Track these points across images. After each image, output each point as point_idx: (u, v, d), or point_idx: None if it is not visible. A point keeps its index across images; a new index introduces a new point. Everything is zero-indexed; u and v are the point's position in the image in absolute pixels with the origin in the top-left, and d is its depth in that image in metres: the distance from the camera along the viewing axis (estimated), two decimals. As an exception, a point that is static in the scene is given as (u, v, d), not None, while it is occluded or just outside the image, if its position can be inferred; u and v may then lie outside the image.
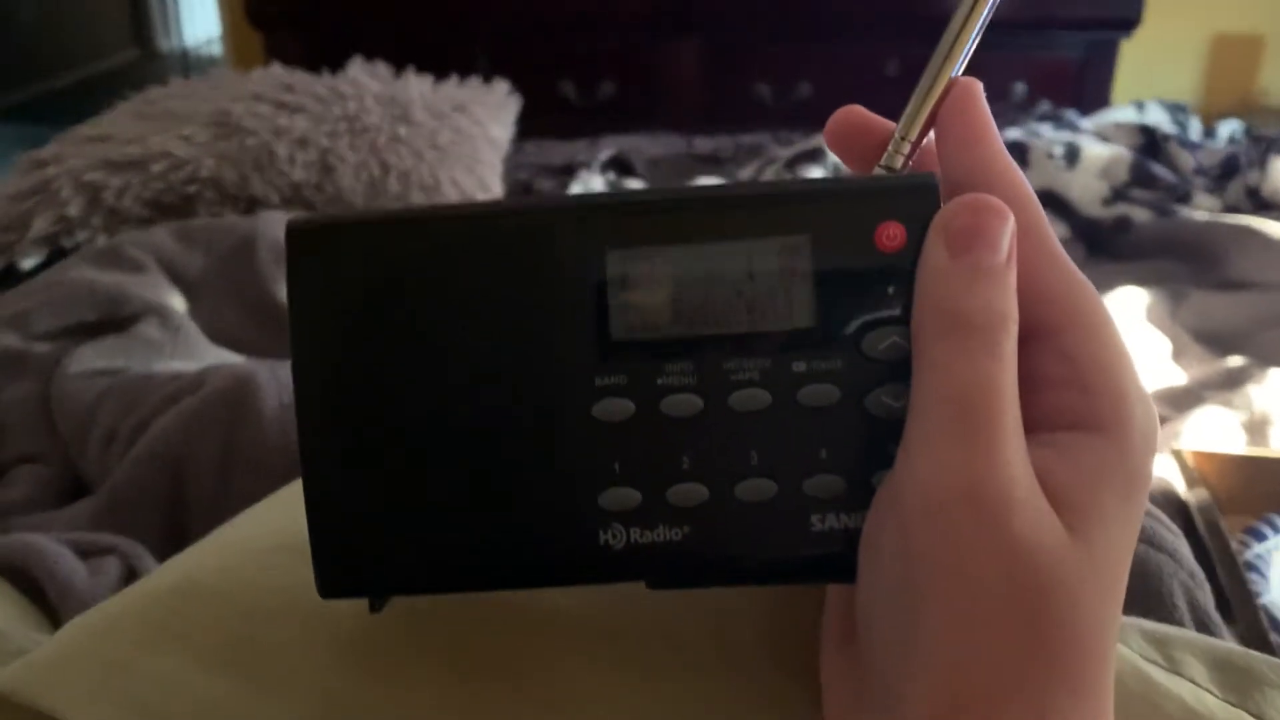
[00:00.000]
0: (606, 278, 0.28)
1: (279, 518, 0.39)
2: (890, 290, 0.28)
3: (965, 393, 0.25)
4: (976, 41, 0.29)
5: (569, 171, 1.49)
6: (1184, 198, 1.31)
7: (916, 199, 0.28)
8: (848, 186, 0.29)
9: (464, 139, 1.30)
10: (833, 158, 1.38)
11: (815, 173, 1.36)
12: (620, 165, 1.51)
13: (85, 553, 0.60)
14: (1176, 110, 1.55)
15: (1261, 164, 1.30)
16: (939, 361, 0.26)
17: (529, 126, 1.62)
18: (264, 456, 0.76)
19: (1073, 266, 0.28)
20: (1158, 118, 1.53)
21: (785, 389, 0.28)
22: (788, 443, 0.28)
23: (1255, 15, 2.57)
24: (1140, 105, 1.55)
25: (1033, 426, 0.26)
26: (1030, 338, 0.27)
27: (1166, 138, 1.39)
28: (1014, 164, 0.29)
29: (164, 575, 0.36)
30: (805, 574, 0.30)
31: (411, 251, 0.29)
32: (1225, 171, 1.35)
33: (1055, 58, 2.20)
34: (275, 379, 0.80)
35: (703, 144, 1.68)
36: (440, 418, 0.29)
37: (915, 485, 0.26)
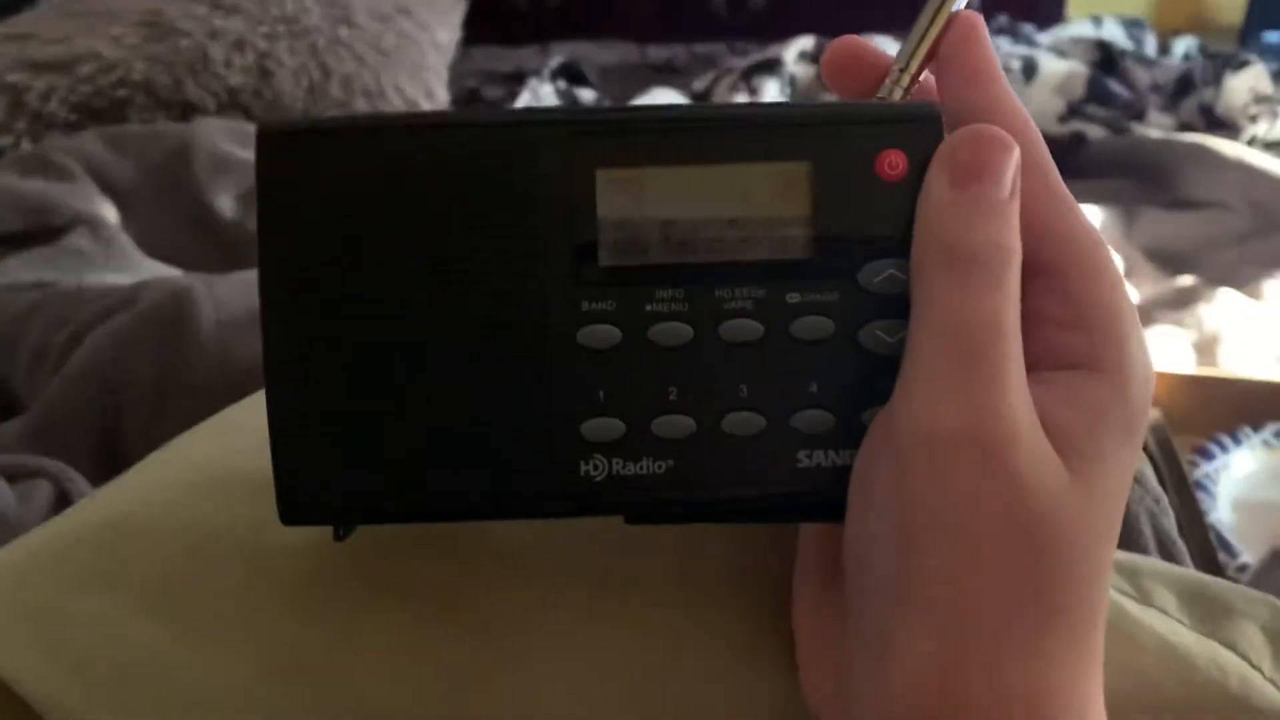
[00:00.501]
0: (595, 199, 0.27)
1: (216, 447, 0.36)
2: (890, 222, 0.27)
3: (967, 328, 0.25)
4: None
5: (518, 79, 1.45)
6: (1139, 115, 1.30)
7: (920, 128, 0.27)
8: (849, 112, 0.28)
9: (409, 43, 1.25)
10: (788, 70, 1.35)
11: (770, 84, 1.33)
12: (571, 74, 1.47)
13: (12, 476, 0.57)
14: (1133, 26, 1.54)
15: (1216, 82, 1.30)
16: (940, 296, 0.25)
17: (476, 34, 1.57)
18: (201, 377, 0.73)
19: (1076, 207, 0.27)
20: (1114, 33, 1.51)
21: (778, 320, 0.27)
22: (778, 376, 0.28)
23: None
24: (1098, 20, 1.54)
25: (1031, 364, 0.26)
26: (1031, 276, 0.26)
27: (1123, 54, 1.38)
28: (1018, 101, 0.28)
29: (92, 509, 0.34)
30: (791, 512, 0.29)
31: (391, 160, 0.27)
32: (1180, 89, 1.34)
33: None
34: (212, 295, 0.77)
35: (656, 53, 1.64)
36: (416, 336, 0.27)
37: (913, 422, 0.25)
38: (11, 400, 0.82)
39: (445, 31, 1.36)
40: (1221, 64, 1.32)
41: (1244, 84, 1.28)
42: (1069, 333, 0.26)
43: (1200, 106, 1.30)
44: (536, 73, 1.43)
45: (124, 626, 0.30)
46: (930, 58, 0.29)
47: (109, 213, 1.00)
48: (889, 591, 0.25)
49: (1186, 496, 0.73)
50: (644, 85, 1.47)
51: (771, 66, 1.35)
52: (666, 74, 1.55)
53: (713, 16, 2.20)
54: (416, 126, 0.28)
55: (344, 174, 0.27)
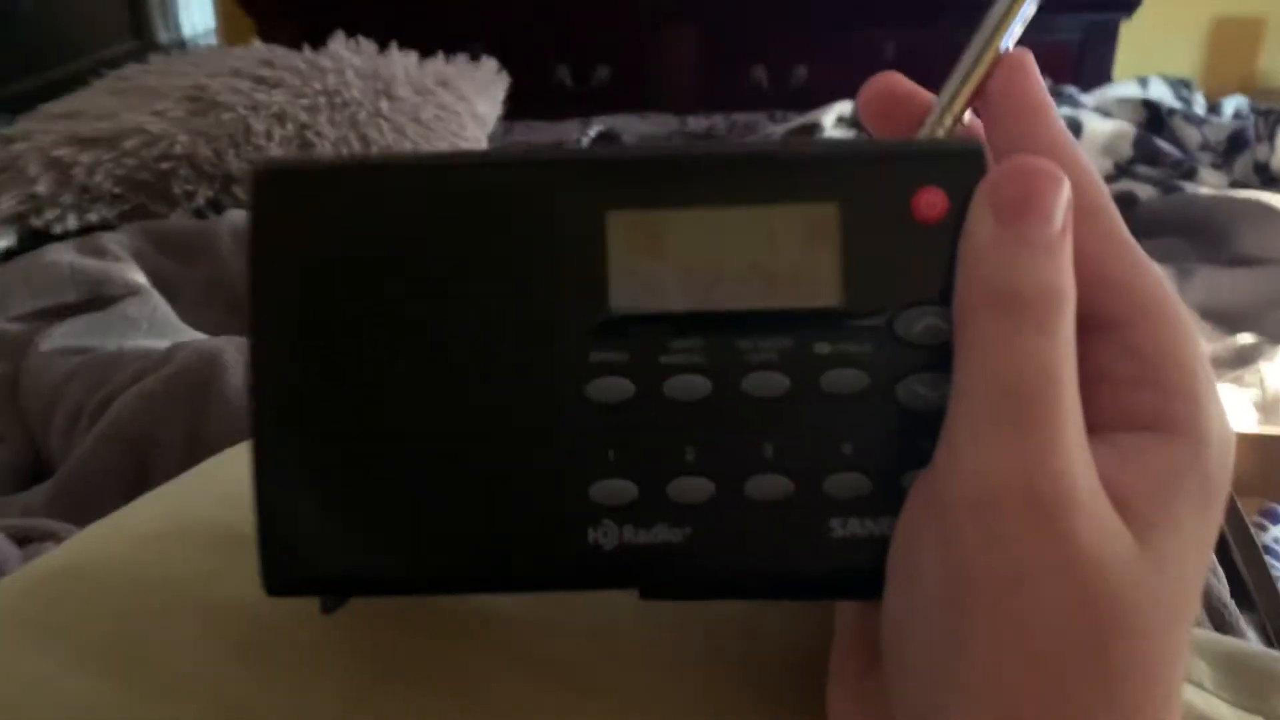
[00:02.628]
0: (607, 242, 0.25)
1: (179, 501, 0.35)
2: (929, 266, 0.25)
3: (1018, 377, 0.22)
4: (1033, 8, 0.26)
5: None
6: (1189, 174, 1.27)
7: (961, 165, 0.25)
8: (883, 149, 0.26)
9: (448, 115, 1.27)
10: (826, 133, 1.34)
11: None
12: (609, 141, 1.48)
13: (24, 539, 0.56)
14: (1180, 85, 1.52)
15: (1270, 138, 1.27)
16: (987, 343, 0.23)
17: (522, 111, 1.58)
18: (231, 438, 0.72)
19: (1142, 254, 0.25)
20: (1161, 93, 1.49)
21: (806, 373, 0.25)
22: (807, 435, 0.25)
23: (1256, -3, 2.54)
24: (1144, 81, 1.51)
25: (1095, 428, 0.23)
26: (1092, 330, 0.24)
27: (1171, 112, 1.36)
28: (1075, 142, 0.26)
29: (48, 562, 0.33)
30: (822, 588, 0.26)
31: (390, 203, 0.25)
32: (1232, 146, 1.31)
33: (1054, 41, 2.16)
34: (243, 357, 0.77)
35: (696, 123, 1.65)
36: (414, 392, 0.25)
37: (961, 483, 0.22)
38: (46, 462, 0.82)
39: (485, 104, 1.38)
40: (1275, 120, 1.29)
41: (1298, 140, 1.25)
42: (1136, 391, 0.23)
43: (1254, 164, 1.27)
44: (576, 141, 1.44)
45: (64, 683, 0.28)
46: (976, 97, 0.27)
47: (153, 290, 1.01)
48: (935, 673, 0.22)
49: (1256, 562, 0.69)
50: (684, 153, 1.47)
51: (810, 130, 1.34)
52: (706, 141, 1.55)
53: (754, 91, 2.21)
54: (419, 167, 0.26)
55: (342, 217, 0.25)
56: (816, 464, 0.25)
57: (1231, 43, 2.58)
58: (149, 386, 0.76)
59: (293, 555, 0.25)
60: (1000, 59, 0.26)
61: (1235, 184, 1.26)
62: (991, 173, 0.24)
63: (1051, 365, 0.22)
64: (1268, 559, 0.70)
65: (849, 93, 1.52)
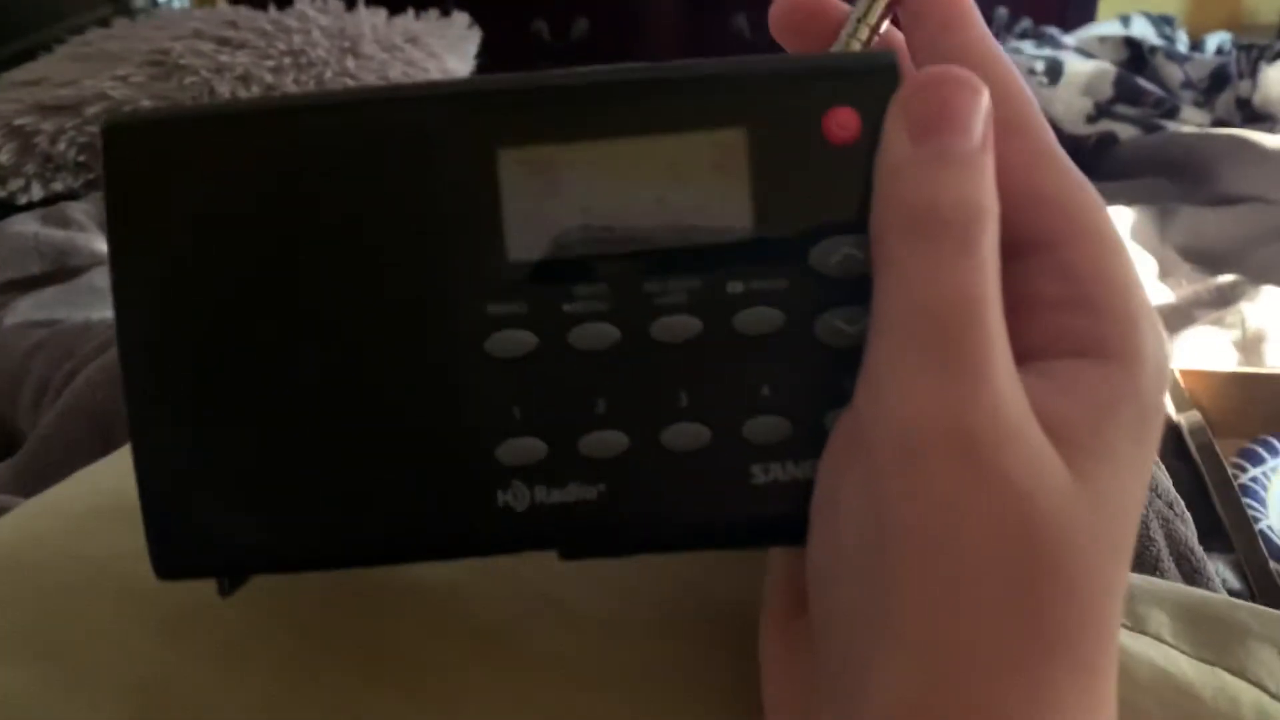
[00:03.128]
0: (499, 183, 0.23)
1: (112, 474, 0.34)
2: (843, 192, 0.23)
3: (939, 305, 0.21)
4: None
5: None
6: (1171, 112, 1.26)
7: (873, 81, 0.23)
8: (789, 67, 0.24)
9: (418, 72, 1.24)
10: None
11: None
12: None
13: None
14: (1163, 23, 1.50)
15: (1252, 74, 1.25)
16: (905, 269, 0.21)
17: (499, 67, 1.55)
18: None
19: (1073, 168, 0.23)
20: (1143, 30, 1.47)
21: (718, 314, 0.24)
22: (723, 379, 0.24)
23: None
24: (1125, 19, 1.49)
25: (1024, 355, 0.22)
26: (1020, 252, 0.22)
27: (1153, 50, 1.34)
28: (1001, 51, 0.24)
29: None
30: (745, 536, 0.25)
31: (259, 153, 0.23)
32: (1214, 84, 1.30)
33: (1039, -22, 2.13)
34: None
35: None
36: (298, 354, 0.23)
37: (883, 422, 0.21)
38: (13, 438, 0.81)
39: (456, 60, 1.35)
40: (1257, 55, 1.27)
41: (1282, 74, 1.23)
42: (1068, 314, 0.22)
43: (1236, 100, 1.26)
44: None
45: None
46: (893, 6, 0.25)
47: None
48: (861, 621, 0.21)
49: (1232, 503, 0.68)
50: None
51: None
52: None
53: (736, 39, 2.18)
54: (289, 110, 0.24)
55: (207, 170, 0.23)
56: (734, 409, 0.24)
57: (1217, -21, 2.55)
58: (114, 357, 0.75)
59: (182, 536, 0.24)
60: None
61: (1218, 121, 1.25)
62: (905, 86, 0.23)
63: (975, 290, 0.21)
64: (1246, 500, 0.69)
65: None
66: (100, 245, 0.98)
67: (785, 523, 0.24)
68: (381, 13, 1.34)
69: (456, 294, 0.23)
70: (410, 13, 1.40)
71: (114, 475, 0.34)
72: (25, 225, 0.99)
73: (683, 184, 0.23)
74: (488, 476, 0.24)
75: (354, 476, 0.24)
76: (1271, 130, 1.16)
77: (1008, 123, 0.23)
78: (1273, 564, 0.64)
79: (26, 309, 0.93)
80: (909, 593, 0.20)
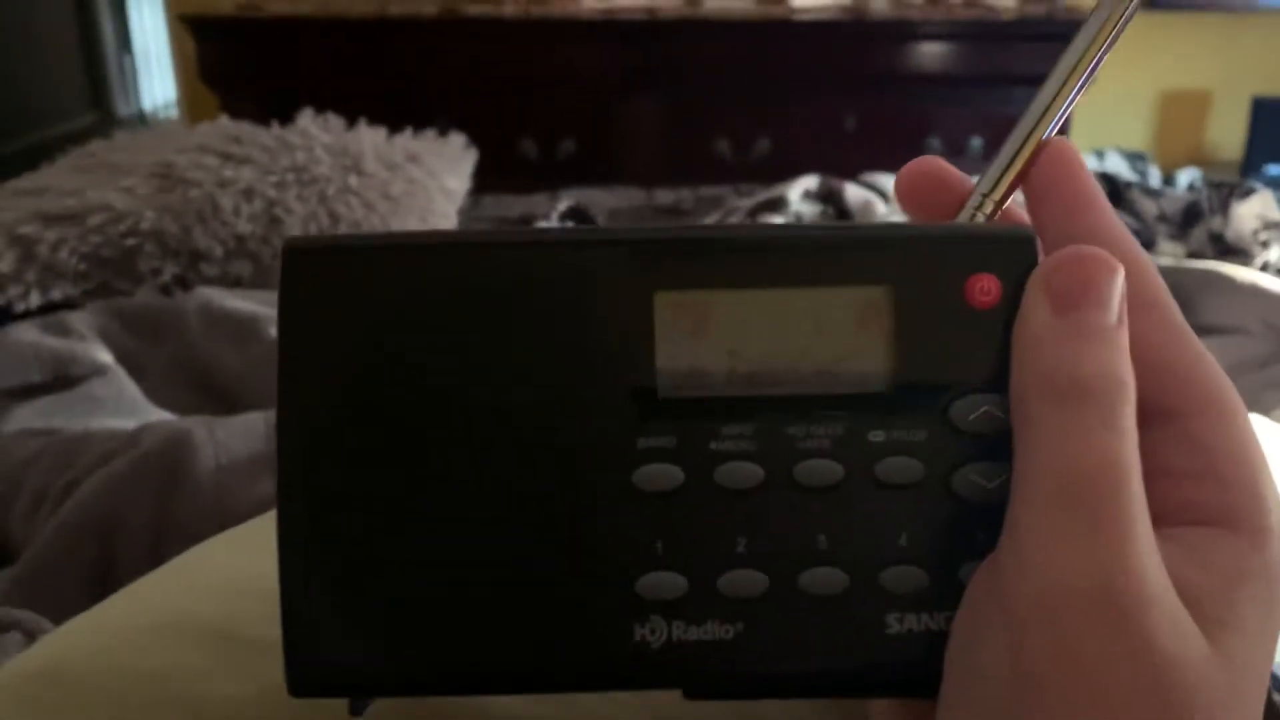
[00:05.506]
0: (655, 324, 0.24)
1: (164, 591, 0.34)
2: (982, 352, 0.24)
3: (1084, 471, 0.22)
4: (1076, 100, 0.26)
5: (526, 223, 1.46)
6: (1148, 245, 1.30)
7: (1014, 251, 0.25)
8: (935, 234, 0.26)
9: (417, 189, 1.27)
10: (794, 208, 1.36)
11: (776, 221, 1.33)
12: (579, 215, 1.48)
13: (-12, 628, 0.54)
14: (1135, 159, 1.56)
15: (1224, 210, 1.30)
16: (1051, 435, 0.22)
17: (489, 185, 1.59)
18: (199, 521, 0.71)
19: (1198, 343, 0.25)
20: (1117, 165, 1.52)
21: (860, 461, 0.24)
22: (862, 525, 0.24)
23: (1200, 72, 2.63)
24: (1100, 154, 1.55)
25: (1155, 522, 0.22)
26: (1149, 421, 0.23)
27: (1129, 185, 1.39)
28: (1126, 230, 0.26)
29: (31, 657, 0.31)
30: (877, 685, 0.25)
31: (424, 284, 0.24)
32: (1188, 218, 1.34)
33: (1010, 112, 2.21)
34: (213, 438, 0.76)
35: (663, 196, 1.66)
36: (451, 481, 0.24)
37: (1028, 580, 0.22)
38: (7, 548, 0.80)
39: (454, 179, 1.38)
40: (1228, 192, 1.32)
41: (1252, 211, 1.27)
42: (1197, 485, 0.23)
43: (1210, 235, 1.30)
44: (545, 216, 1.44)
45: None
46: (1017, 184, 0.27)
47: (119, 369, 1.00)
48: None
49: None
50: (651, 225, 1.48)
51: (776, 205, 1.36)
52: (673, 215, 1.56)
53: (718, 162, 2.24)
54: (455, 246, 0.25)
55: (374, 298, 0.24)
56: (873, 556, 0.24)
57: (1180, 115, 2.66)
58: (116, 468, 0.74)
59: (319, 656, 0.24)
60: (1042, 146, 0.26)
61: (1193, 254, 1.29)
62: (1046, 261, 0.24)
63: (1119, 458, 0.22)
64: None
65: (810, 163, 1.54)
66: (98, 354, 0.97)
67: (918, 672, 0.24)
68: (381, 131, 1.38)
69: (609, 427, 0.24)
70: (409, 131, 1.44)
71: (159, 594, 0.34)
72: (24, 333, 0.99)
73: (828, 334, 0.24)
74: (627, 609, 0.24)
75: (496, 604, 0.24)
76: (1246, 264, 1.20)
77: (1140, 298, 0.24)
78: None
79: (26, 417, 0.92)
80: None
